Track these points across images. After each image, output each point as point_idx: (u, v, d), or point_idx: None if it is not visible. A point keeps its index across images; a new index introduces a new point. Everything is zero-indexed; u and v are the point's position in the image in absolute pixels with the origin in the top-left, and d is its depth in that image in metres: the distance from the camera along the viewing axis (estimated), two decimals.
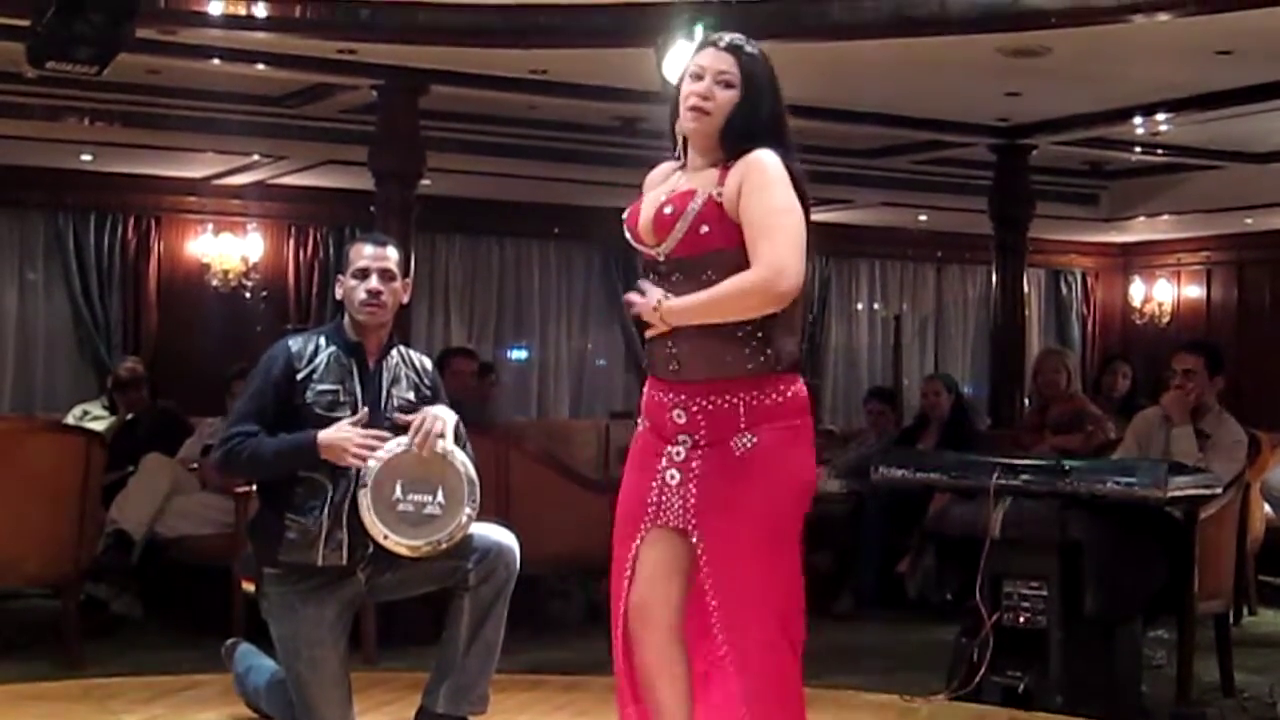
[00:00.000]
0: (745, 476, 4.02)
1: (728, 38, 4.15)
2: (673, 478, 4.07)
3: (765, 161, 4.02)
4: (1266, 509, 9.28)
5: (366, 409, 5.09)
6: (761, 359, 4.02)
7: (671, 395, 4.09)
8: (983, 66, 9.63)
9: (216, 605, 7.56)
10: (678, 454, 4.08)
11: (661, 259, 4.09)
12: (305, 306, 14.08)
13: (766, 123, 4.10)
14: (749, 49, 4.15)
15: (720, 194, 4.02)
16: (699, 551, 4.03)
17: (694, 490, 4.04)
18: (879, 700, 6.35)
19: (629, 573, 4.11)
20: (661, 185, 4.20)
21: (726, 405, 4.03)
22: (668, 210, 4.07)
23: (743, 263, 3.97)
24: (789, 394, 4.06)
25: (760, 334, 4.01)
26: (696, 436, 4.06)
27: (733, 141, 4.07)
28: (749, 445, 4.02)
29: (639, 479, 4.15)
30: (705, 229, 4.01)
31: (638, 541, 4.10)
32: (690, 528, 4.03)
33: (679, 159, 4.21)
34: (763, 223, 3.95)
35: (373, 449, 4.97)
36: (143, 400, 10.25)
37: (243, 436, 5.07)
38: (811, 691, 6.44)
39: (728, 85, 4.09)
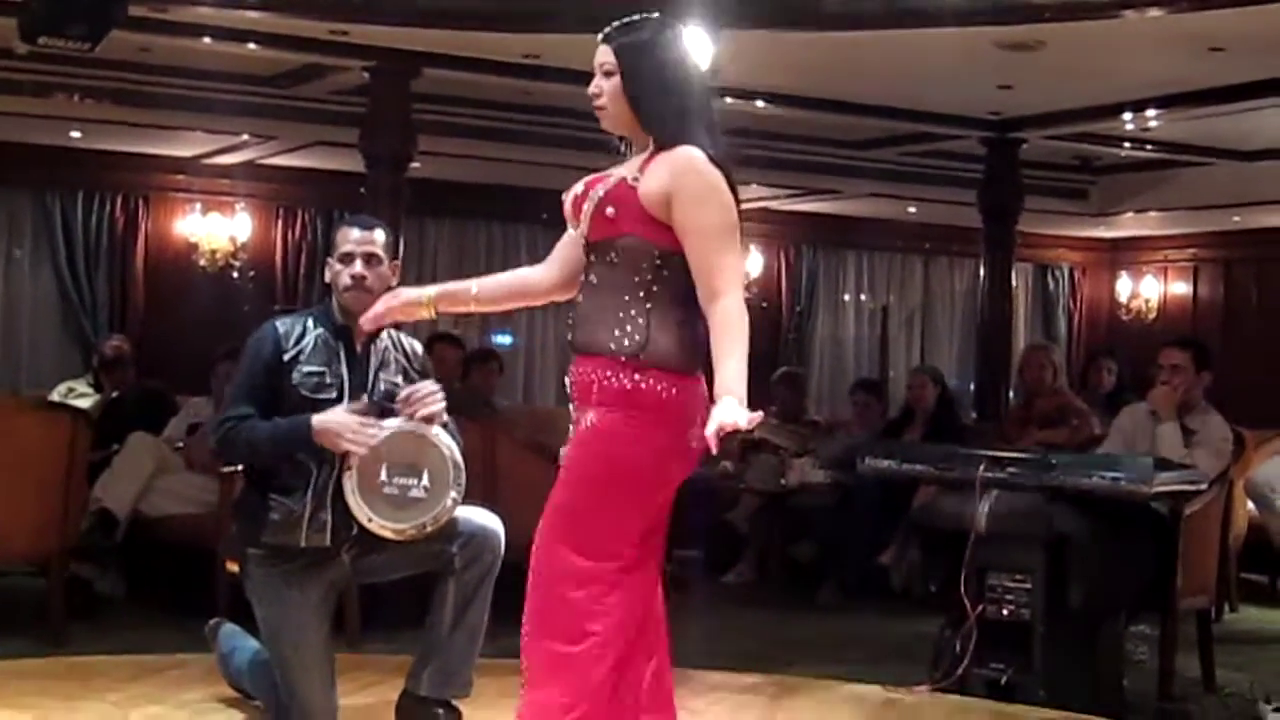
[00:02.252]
0: (578, 456, 4.07)
1: (609, 27, 4.14)
2: (563, 456, 4.16)
3: (696, 168, 3.98)
4: (1250, 506, 9.33)
5: (365, 398, 5.08)
6: (627, 343, 3.99)
7: (571, 365, 4.16)
8: (975, 59, 9.64)
9: (200, 585, 7.56)
10: (570, 432, 4.14)
11: (583, 241, 4.13)
12: (293, 288, 14.07)
13: (661, 99, 4.06)
14: (632, 30, 4.12)
15: (637, 179, 4.02)
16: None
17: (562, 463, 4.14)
18: (862, 691, 6.36)
19: None
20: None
21: (588, 377, 4.05)
22: (579, 191, 4.13)
23: (645, 252, 3.99)
24: (643, 386, 3.98)
25: (640, 320, 4.00)
26: (573, 405, 4.12)
27: (646, 124, 4.07)
28: (589, 423, 4.04)
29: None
30: (610, 210, 4.02)
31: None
32: None
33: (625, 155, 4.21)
34: (711, 246, 3.95)
35: (369, 438, 4.94)
36: (128, 379, 10.25)
37: (237, 420, 5.05)
38: (793, 681, 6.50)
39: (608, 74, 4.09)
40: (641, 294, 4.01)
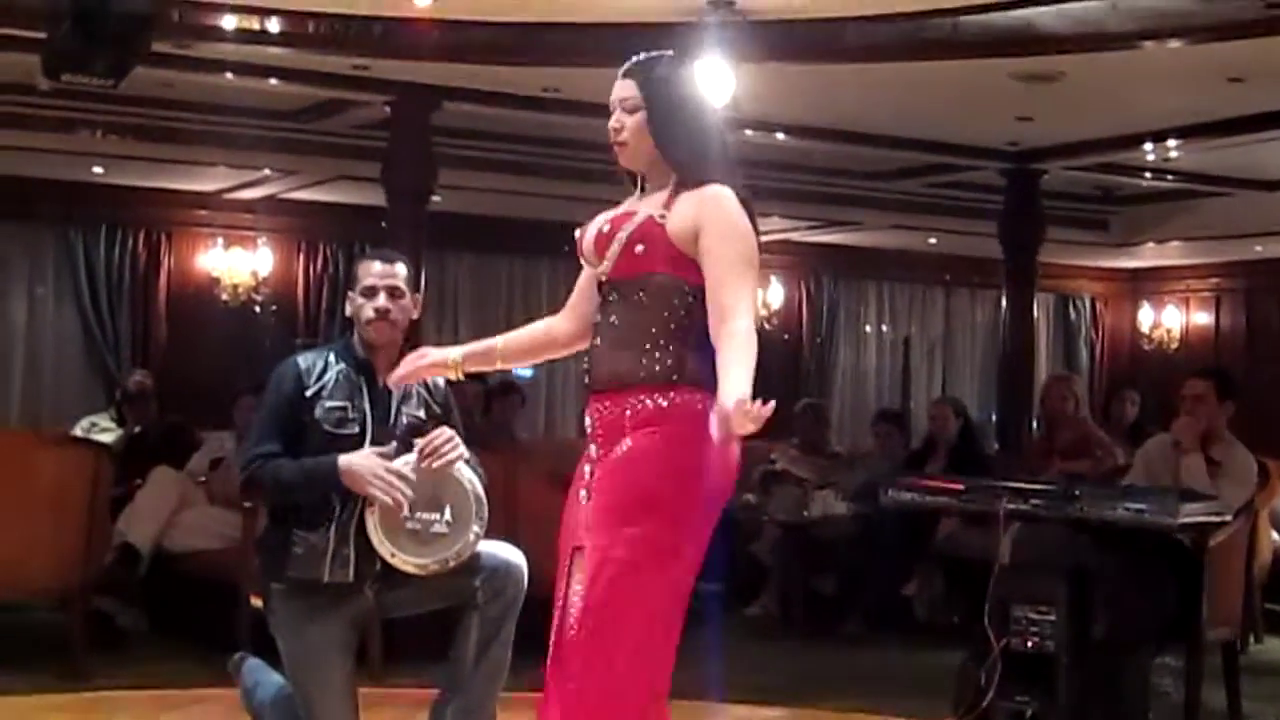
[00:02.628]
0: (616, 485, 3.98)
1: (630, 62, 4.14)
2: (584, 498, 4.07)
3: (727, 205, 3.98)
4: (1275, 536, 9.31)
5: (394, 443, 5.07)
6: (657, 369, 3.97)
7: (589, 406, 4.10)
8: (994, 91, 9.65)
9: (222, 620, 7.55)
10: (587, 473, 4.08)
11: (602, 279, 4.10)
12: (314, 322, 14.09)
13: (685, 136, 4.06)
14: (654, 66, 4.12)
15: (664, 216, 4.00)
16: (582, 561, 4.00)
17: (591, 505, 4.03)
18: None
19: (560, 601, 4.08)
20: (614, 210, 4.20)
21: (618, 411, 4.00)
22: (605, 229, 4.08)
23: (674, 289, 3.97)
24: (678, 401, 3.96)
25: (670, 347, 3.99)
26: (598, 445, 4.05)
27: (670, 161, 4.06)
28: (624, 450, 3.98)
29: (570, 503, 4.16)
30: (640, 249, 4.00)
31: (568, 567, 4.08)
32: (585, 541, 4.02)
33: (639, 196, 4.18)
34: (731, 274, 3.92)
35: (393, 487, 4.92)
36: (151, 413, 10.27)
37: (264, 459, 5.04)
38: (818, 714, 6.48)
39: (633, 110, 4.08)
40: (672, 327, 3.99)
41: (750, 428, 3.66)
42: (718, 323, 3.90)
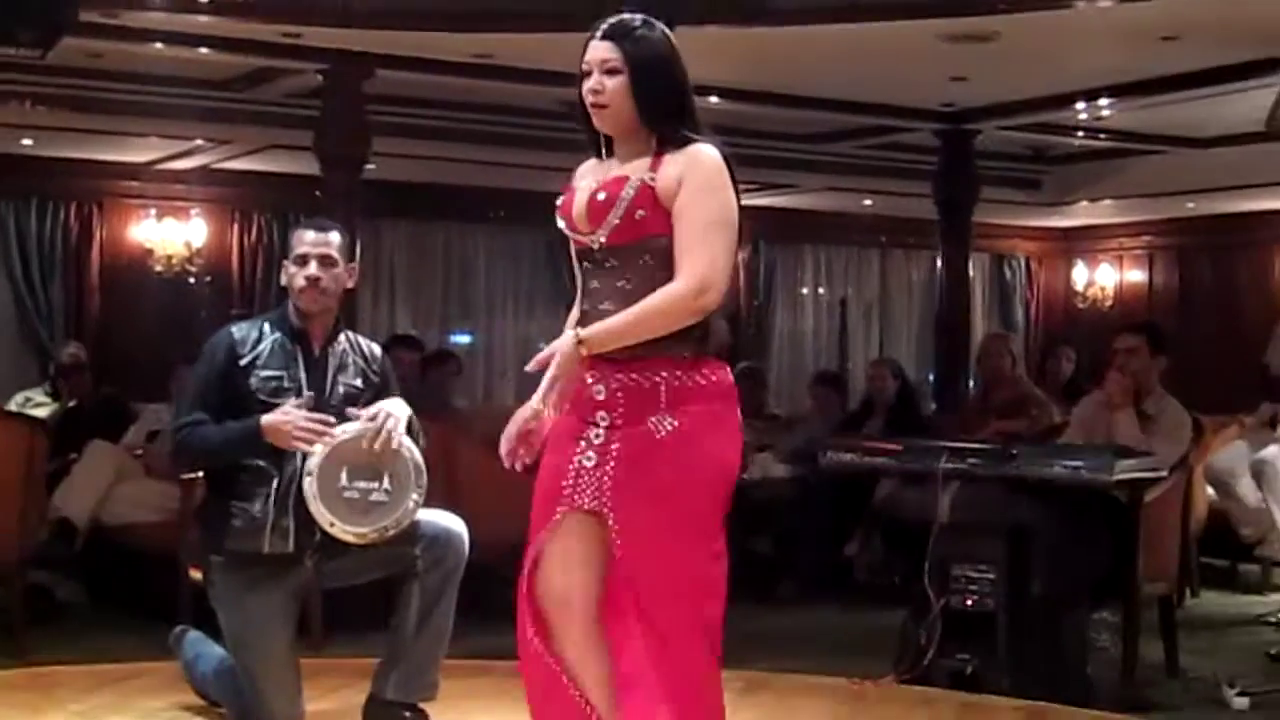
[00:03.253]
0: (666, 461, 3.94)
1: (605, 24, 4.07)
2: (589, 460, 3.99)
3: (709, 163, 3.98)
4: (1209, 491, 9.39)
5: (311, 393, 5.08)
6: (688, 340, 3.97)
7: (593, 370, 4.01)
8: (928, 52, 9.65)
9: (162, 592, 7.52)
10: (596, 436, 4.00)
11: (596, 246, 4.05)
12: (250, 292, 14.01)
13: (666, 97, 4.04)
14: (633, 29, 4.07)
15: (654, 179, 3.98)
16: (614, 537, 3.96)
17: (611, 473, 3.96)
18: (826, 684, 6.37)
19: (535, 554, 4.03)
20: (591, 176, 4.16)
21: (648, 384, 3.96)
22: (601, 197, 4.02)
23: (673, 249, 3.95)
24: (713, 378, 4.00)
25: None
26: (614, 415, 3.98)
27: (655, 124, 4.03)
28: (670, 429, 3.95)
29: (556, 461, 4.07)
30: (641, 214, 3.97)
31: (552, 524, 4.03)
32: (606, 510, 3.96)
33: (601, 159, 4.16)
34: (695, 233, 3.91)
35: (318, 434, 4.94)
36: (86, 387, 10.22)
37: (191, 426, 5.05)
38: (758, 675, 6.50)
39: (614, 72, 4.02)
40: None
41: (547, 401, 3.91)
42: (675, 273, 3.91)
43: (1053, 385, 10.63)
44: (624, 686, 3.98)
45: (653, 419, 3.95)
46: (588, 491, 3.98)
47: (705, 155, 3.98)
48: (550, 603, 4.01)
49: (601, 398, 4.00)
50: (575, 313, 4.17)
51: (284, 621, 5.14)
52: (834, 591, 9.17)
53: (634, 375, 3.96)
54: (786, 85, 10.91)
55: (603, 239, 4.02)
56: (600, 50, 4.05)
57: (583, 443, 4.01)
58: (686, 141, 4.00)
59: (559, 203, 4.15)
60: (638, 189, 3.98)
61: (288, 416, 4.97)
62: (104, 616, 8.18)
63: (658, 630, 3.94)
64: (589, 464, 3.99)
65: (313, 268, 5.16)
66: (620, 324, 3.91)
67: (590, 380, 4.01)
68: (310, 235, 5.23)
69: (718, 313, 4.01)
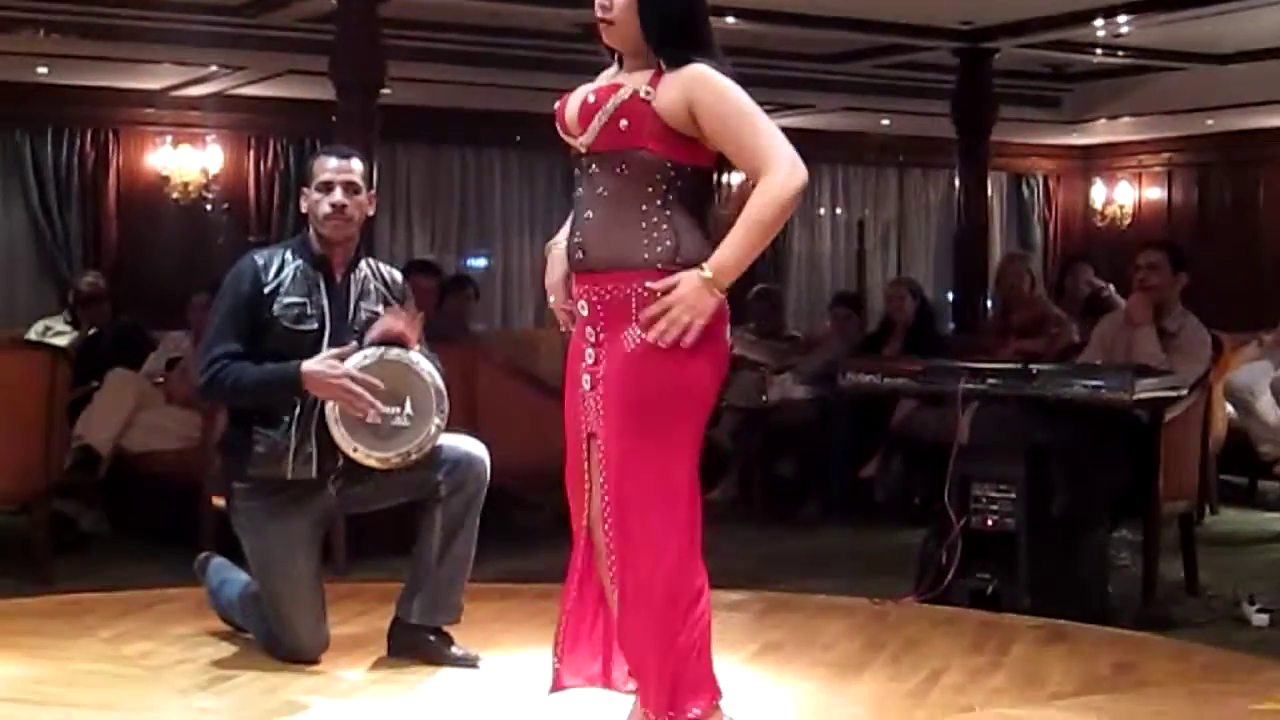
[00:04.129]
0: (633, 374, 3.98)
1: None
2: (586, 384, 4.10)
3: (709, 73, 3.97)
4: (1229, 409, 9.39)
5: (354, 343, 5.06)
6: (659, 250, 3.97)
7: (580, 286, 4.10)
8: None
9: (184, 519, 7.58)
10: (589, 356, 4.09)
11: (583, 150, 4.08)
12: (266, 219, 13.98)
13: (673, 17, 4.03)
14: None
15: (649, 93, 3.98)
16: (599, 454, 4.06)
17: (600, 394, 4.06)
18: (848, 604, 6.39)
19: (587, 484, 4.15)
20: (596, 82, 4.18)
21: (620, 295, 3.99)
22: (590, 100, 4.06)
23: (658, 165, 3.97)
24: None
25: (664, 225, 3.99)
26: (597, 329, 4.05)
27: (657, 40, 4.02)
28: (637, 340, 3.97)
29: (569, 385, 4.20)
30: (624, 123, 3.98)
31: (583, 453, 4.15)
32: (597, 430, 4.07)
33: (615, 71, 4.17)
34: (745, 131, 3.91)
35: (363, 403, 4.92)
36: (105, 315, 10.22)
37: (225, 360, 5.03)
38: (780, 596, 6.54)
39: None
40: (659, 202, 3.98)
41: (671, 335, 3.84)
42: (753, 177, 3.91)
43: (1071, 302, 10.59)
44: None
45: (625, 332, 4.00)
46: (591, 414, 4.11)
47: (702, 70, 3.98)
48: (593, 526, 4.12)
49: (585, 314, 4.09)
50: (568, 225, 4.23)
51: (308, 547, 5.17)
52: (856, 513, 9.20)
53: (610, 287, 4.02)
54: (802, 5, 10.84)
55: (588, 143, 4.06)
56: None
57: (582, 365, 4.12)
58: (686, 62, 3.99)
59: (556, 104, 4.17)
60: (627, 98, 3.99)
61: (334, 371, 4.94)
62: (127, 544, 8.23)
63: (627, 551, 4.00)
64: (587, 388, 4.11)
65: (338, 194, 5.15)
66: (740, 240, 3.88)
67: (578, 296, 4.11)
68: (333, 162, 5.22)
69: (691, 225, 4.00)
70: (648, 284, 3.94)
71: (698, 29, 4.07)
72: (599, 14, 4.07)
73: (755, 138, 3.93)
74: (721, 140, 3.96)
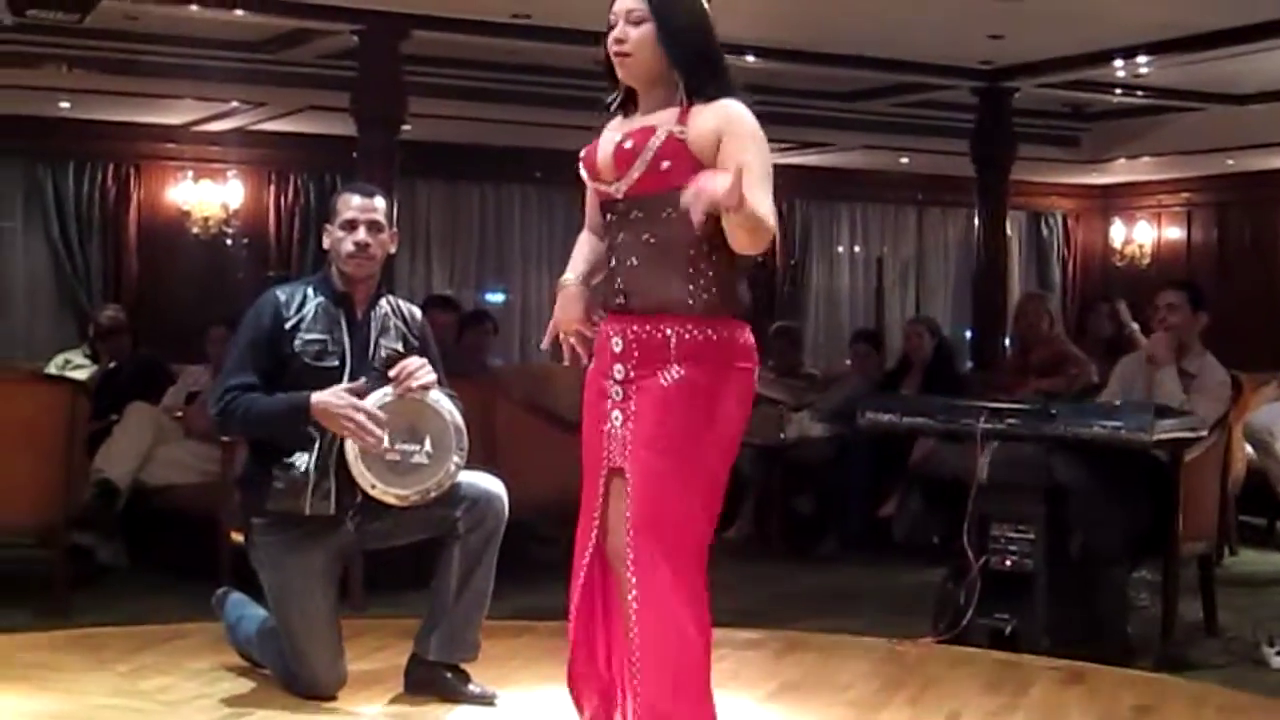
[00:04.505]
0: (671, 410, 4.02)
1: None
2: (617, 419, 4.10)
3: (747, 116, 4.02)
4: (1248, 449, 9.34)
5: (364, 379, 5.07)
6: (705, 296, 4.02)
7: (614, 325, 4.13)
8: (966, 9, 9.62)
9: (202, 553, 7.57)
10: (616, 393, 4.10)
11: (620, 195, 4.09)
12: (286, 254, 14.04)
13: (693, 45, 4.06)
14: None
15: (683, 132, 4.00)
16: (626, 488, 4.05)
17: (631, 429, 4.07)
18: (866, 643, 6.37)
19: (597, 518, 4.14)
20: (618, 128, 4.18)
21: (659, 335, 4.03)
22: (627, 145, 4.06)
23: None
24: (725, 335, 4.05)
25: (710, 273, 4.03)
26: (629, 366, 4.07)
27: (685, 70, 4.05)
28: (675, 378, 4.02)
29: (591, 421, 4.20)
30: (666, 165, 4.00)
31: (601, 488, 4.14)
32: (625, 464, 4.07)
33: (626, 115, 4.19)
34: (753, 180, 3.87)
35: (370, 437, 4.93)
36: (125, 348, 10.23)
37: (238, 391, 5.04)
38: (798, 635, 6.52)
39: (639, 22, 4.06)
40: (705, 246, 4.00)
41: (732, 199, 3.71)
42: None
43: (1093, 342, 10.56)
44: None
45: (662, 371, 4.03)
46: (617, 449, 4.10)
47: (739, 109, 4.02)
48: (614, 561, 4.10)
49: (619, 350, 4.10)
50: (580, 263, 4.31)
51: (326, 583, 5.17)
52: (873, 551, 9.17)
53: (648, 328, 4.05)
54: (823, 43, 10.87)
55: (626, 188, 4.07)
56: (627, 1, 4.06)
57: (609, 402, 4.13)
58: (714, 96, 4.01)
59: (583, 152, 4.18)
60: (664, 139, 4.00)
61: (341, 402, 4.95)
62: (145, 578, 8.22)
63: (650, 584, 4.00)
64: (617, 423, 4.11)
65: (361, 234, 5.16)
66: (758, 209, 3.84)
67: (611, 335, 4.12)
68: (357, 200, 5.23)
69: (735, 276, 4.06)
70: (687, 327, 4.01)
71: (718, 58, 4.11)
72: (614, 48, 4.08)
73: (763, 187, 3.92)
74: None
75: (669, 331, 4.02)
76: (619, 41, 4.07)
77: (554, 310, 4.18)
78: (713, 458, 4.07)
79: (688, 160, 3.98)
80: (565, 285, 4.31)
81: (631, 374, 4.08)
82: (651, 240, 4.06)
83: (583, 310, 4.26)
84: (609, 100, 4.24)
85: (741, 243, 3.90)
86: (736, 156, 3.89)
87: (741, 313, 4.13)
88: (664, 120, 4.04)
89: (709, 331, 4.03)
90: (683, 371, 4.01)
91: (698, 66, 4.06)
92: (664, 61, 4.06)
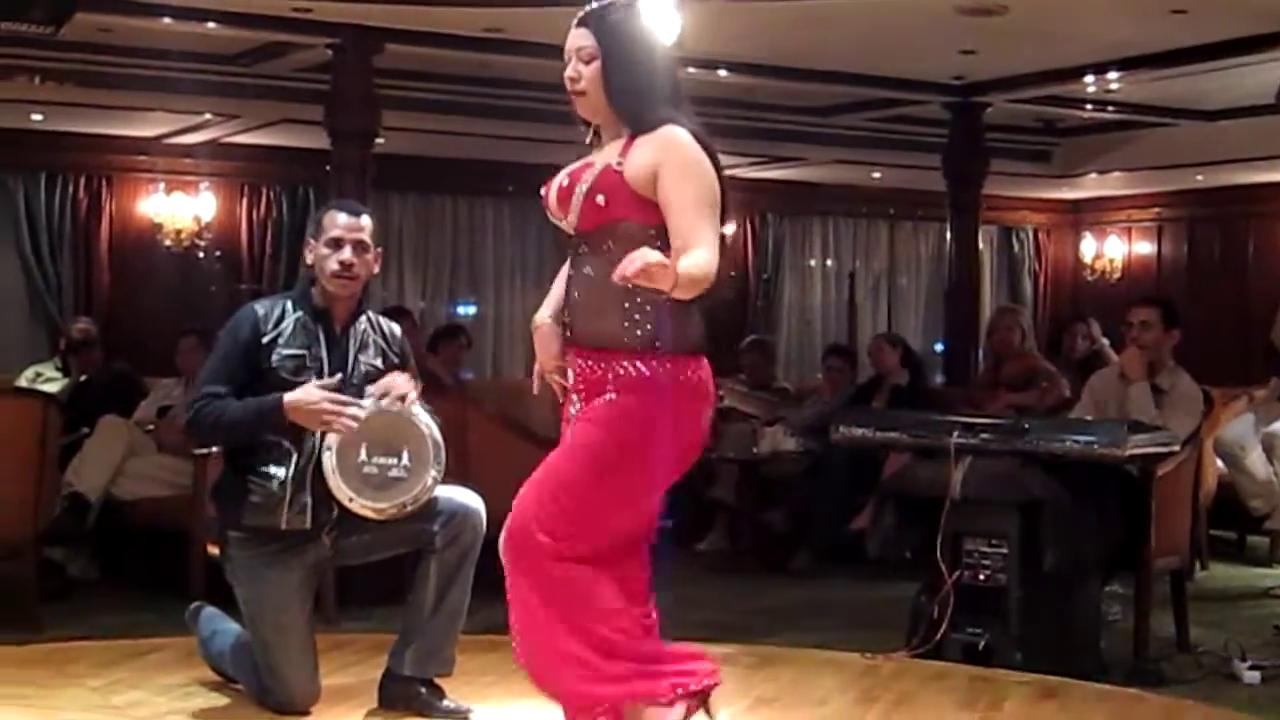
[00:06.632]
0: (592, 420, 4.11)
1: (585, 10, 4.16)
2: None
3: (683, 142, 4.04)
4: (1219, 464, 9.40)
5: (339, 375, 5.07)
6: (639, 333, 4.06)
7: (570, 358, 4.21)
8: (938, 25, 9.64)
9: (173, 567, 7.55)
10: (572, 414, 4.22)
11: (572, 232, 4.16)
12: (258, 267, 13.99)
13: (642, 81, 4.10)
14: (608, 14, 4.13)
15: (620, 164, 4.04)
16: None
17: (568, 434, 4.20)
18: (840, 658, 6.38)
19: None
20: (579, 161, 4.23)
21: (599, 370, 4.11)
22: (564, 183, 4.13)
23: (641, 234, 4.01)
24: (665, 370, 4.07)
25: (647, 307, 4.05)
26: (580, 397, 4.18)
27: (622, 109, 4.09)
28: (608, 399, 4.09)
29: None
30: (600, 199, 4.05)
31: None
32: None
33: (592, 144, 4.24)
34: (688, 219, 3.98)
35: (347, 415, 4.94)
36: (96, 361, 10.21)
37: (209, 399, 5.04)
38: (771, 650, 6.52)
39: (589, 59, 4.11)
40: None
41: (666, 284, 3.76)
42: (680, 254, 3.93)
43: (1066, 361, 10.59)
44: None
45: (603, 397, 4.11)
46: None
47: (676, 136, 4.04)
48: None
49: (570, 381, 4.22)
50: (554, 300, 4.34)
51: (301, 598, 5.15)
52: (847, 565, 9.18)
53: (591, 363, 4.14)
54: (795, 58, 10.89)
55: (573, 225, 4.13)
56: (577, 38, 4.14)
57: (570, 431, 4.23)
58: (656, 125, 4.01)
59: (542, 189, 4.21)
60: (599, 175, 4.05)
61: (312, 397, 4.96)
62: (117, 592, 8.19)
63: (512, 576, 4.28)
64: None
65: (347, 253, 5.15)
66: (688, 273, 3.87)
67: (569, 367, 4.22)
68: (343, 219, 5.22)
69: (674, 313, 4.06)
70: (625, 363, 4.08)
71: (662, 88, 4.13)
72: (570, 86, 4.13)
73: (697, 229, 3.98)
74: (669, 205, 4.01)
75: (605, 367, 4.10)
76: (572, 80, 4.13)
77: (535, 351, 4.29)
78: (630, 473, 4.11)
79: (624, 193, 4.03)
80: (538, 325, 4.36)
81: (582, 405, 4.17)
82: (592, 274, 4.11)
83: (558, 349, 4.30)
84: (587, 138, 4.26)
85: (685, 295, 3.93)
86: (671, 195, 3.96)
87: (690, 348, 4.13)
88: (609, 154, 4.09)
89: (642, 367, 4.07)
90: (614, 397, 4.08)
91: (633, 101, 4.08)
92: (607, 96, 4.11)
